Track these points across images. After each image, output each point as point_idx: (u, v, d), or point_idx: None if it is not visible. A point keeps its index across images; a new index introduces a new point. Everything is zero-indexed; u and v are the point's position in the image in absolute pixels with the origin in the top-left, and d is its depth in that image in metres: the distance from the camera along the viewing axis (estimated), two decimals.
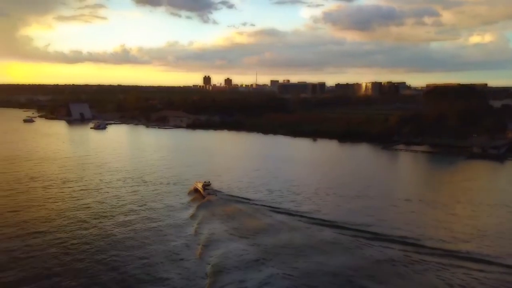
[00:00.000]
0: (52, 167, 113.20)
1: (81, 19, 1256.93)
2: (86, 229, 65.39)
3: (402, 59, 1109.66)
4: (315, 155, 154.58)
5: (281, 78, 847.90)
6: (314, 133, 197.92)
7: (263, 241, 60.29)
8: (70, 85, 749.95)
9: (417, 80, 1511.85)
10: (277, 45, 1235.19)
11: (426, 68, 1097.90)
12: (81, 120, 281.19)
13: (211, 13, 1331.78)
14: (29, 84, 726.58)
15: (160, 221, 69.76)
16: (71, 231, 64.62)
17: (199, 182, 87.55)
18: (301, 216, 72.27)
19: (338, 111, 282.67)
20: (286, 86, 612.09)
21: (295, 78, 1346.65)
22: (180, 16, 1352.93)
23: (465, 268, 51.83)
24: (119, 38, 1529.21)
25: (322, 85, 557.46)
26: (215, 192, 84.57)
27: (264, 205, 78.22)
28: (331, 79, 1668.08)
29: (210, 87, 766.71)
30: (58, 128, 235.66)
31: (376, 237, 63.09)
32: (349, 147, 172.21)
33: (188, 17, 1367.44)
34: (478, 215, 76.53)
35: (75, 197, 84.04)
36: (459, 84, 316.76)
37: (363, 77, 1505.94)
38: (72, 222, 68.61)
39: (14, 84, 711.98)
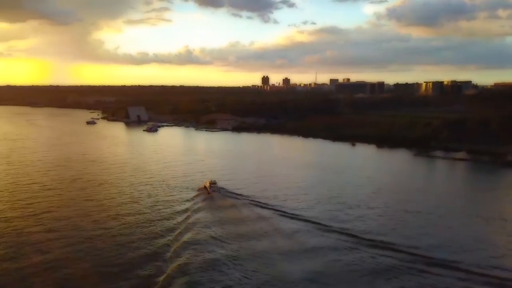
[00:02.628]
0: (95, 169, 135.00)
1: (148, 22, 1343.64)
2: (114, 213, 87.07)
3: (473, 56, 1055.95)
4: (338, 160, 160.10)
5: (341, 76, 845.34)
6: (353, 138, 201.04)
7: (233, 228, 77.83)
8: (136, 86, 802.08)
9: (489, 77, 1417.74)
10: (339, 43, 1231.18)
11: (499, 64, 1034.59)
12: (138, 122, 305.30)
13: (272, 12, 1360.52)
14: (98, 86, 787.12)
15: (164, 209, 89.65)
16: (103, 211, 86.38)
17: (208, 180, 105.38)
18: (277, 210, 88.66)
19: (388, 114, 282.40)
20: (344, 86, 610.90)
21: (356, 76, 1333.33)
22: (241, 16, 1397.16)
23: None
24: (183, 40, 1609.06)
25: (381, 84, 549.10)
26: (219, 189, 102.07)
27: (253, 201, 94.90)
28: (395, 77, 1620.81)
29: (268, 87, 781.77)
30: (115, 130, 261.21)
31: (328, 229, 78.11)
32: (383, 153, 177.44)
33: (249, 18, 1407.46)
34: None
35: (107, 194, 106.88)
36: None
37: (429, 75, 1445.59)
38: (101, 207, 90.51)
39: (86, 86, 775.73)
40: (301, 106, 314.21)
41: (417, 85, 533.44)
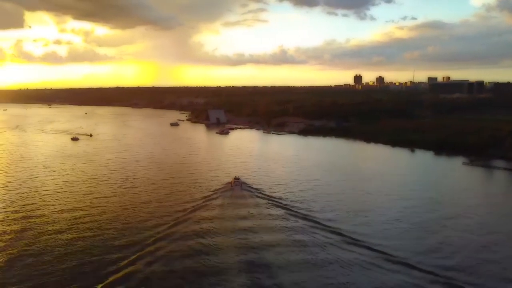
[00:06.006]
0: (155, 167, 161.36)
1: (244, 24, 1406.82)
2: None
3: None
4: (377, 167, 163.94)
5: (441, 74, 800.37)
6: (413, 143, 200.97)
7: (230, 212, 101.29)
8: (229, 87, 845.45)
9: None
10: (442, 38, 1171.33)
11: None
12: (217, 124, 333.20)
13: (368, 9, 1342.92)
14: (194, 87, 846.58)
15: (189, 196, 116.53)
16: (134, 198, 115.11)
17: (234, 176, 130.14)
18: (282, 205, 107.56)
19: (470, 117, 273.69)
20: (439, 85, 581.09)
21: (459, 74, 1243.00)
22: (336, 14, 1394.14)
23: None
24: (278, 40, 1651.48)
25: (480, 83, 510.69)
26: (241, 184, 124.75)
27: (261, 194, 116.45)
28: (506, 75, 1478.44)
29: (360, 86, 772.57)
30: (192, 133, 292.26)
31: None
32: (437, 160, 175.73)
33: (344, 15, 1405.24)
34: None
35: (155, 186, 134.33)
36: None
37: None
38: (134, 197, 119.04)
39: (182, 87, 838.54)
40: (376, 108, 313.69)
41: None
